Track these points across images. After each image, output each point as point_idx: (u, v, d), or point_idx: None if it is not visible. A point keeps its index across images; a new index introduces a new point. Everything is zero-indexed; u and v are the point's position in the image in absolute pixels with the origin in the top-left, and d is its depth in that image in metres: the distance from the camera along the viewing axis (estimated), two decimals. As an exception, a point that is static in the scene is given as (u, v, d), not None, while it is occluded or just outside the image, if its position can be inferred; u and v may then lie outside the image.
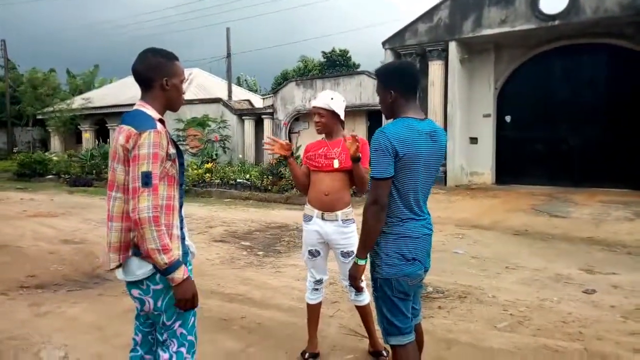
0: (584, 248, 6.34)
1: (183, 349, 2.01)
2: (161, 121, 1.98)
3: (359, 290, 2.35)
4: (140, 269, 1.92)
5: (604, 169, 12.54)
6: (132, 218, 1.81)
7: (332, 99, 3.00)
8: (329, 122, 3.02)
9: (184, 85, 2.17)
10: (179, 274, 1.86)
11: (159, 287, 1.94)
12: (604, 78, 12.84)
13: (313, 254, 3.10)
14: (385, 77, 2.26)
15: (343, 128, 3.14)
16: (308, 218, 3.09)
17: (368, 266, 2.27)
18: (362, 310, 3.12)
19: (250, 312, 4.07)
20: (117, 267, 1.96)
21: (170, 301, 1.96)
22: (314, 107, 3.05)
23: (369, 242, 2.15)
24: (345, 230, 3.00)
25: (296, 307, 4.09)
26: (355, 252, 2.96)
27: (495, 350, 3.27)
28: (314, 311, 3.18)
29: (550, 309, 4.04)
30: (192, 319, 2.07)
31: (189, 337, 2.05)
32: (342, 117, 3.06)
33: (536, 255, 5.97)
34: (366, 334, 3.25)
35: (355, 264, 2.21)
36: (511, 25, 12.46)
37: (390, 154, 2.05)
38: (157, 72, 1.99)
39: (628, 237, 6.83)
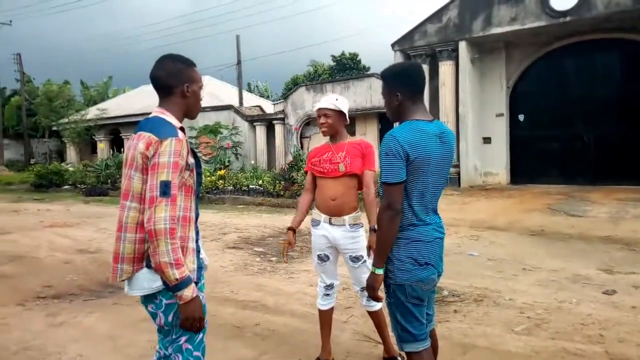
0: (602, 247, 6.21)
1: None
2: (182, 129, 1.93)
3: (378, 301, 2.27)
4: (154, 282, 1.85)
5: (620, 166, 12.31)
6: (146, 228, 1.74)
7: (337, 99, 3.00)
8: (335, 122, 3.00)
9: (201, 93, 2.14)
10: (189, 292, 1.77)
11: (172, 301, 1.87)
12: (618, 73, 12.66)
13: (322, 258, 3.09)
14: (391, 79, 2.21)
15: (348, 132, 3.14)
16: (316, 223, 3.08)
17: None
18: (375, 316, 3.08)
19: (264, 318, 4.05)
20: (129, 278, 1.88)
21: None
22: (319, 109, 3.02)
23: (385, 249, 2.10)
24: (353, 234, 2.98)
25: (309, 313, 4.06)
26: (364, 256, 2.95)
27: (512, 354, 3.20)
28: (325, 317, 3.15)
29: (569, 311, 3.96)
30: (201, 335, 1.99)
31: (195, 353, 1.97)
32: (347, 117, 3.05)
33: (553, 255, 5.86)
34: (380, 340, 3.21)
35: (372, 273, 2.14)
36: (521, 23, 12.33)
37: (402, 157, 2.01)
38: (177, 78, 1.94)
39: (648, 235, 6.68)
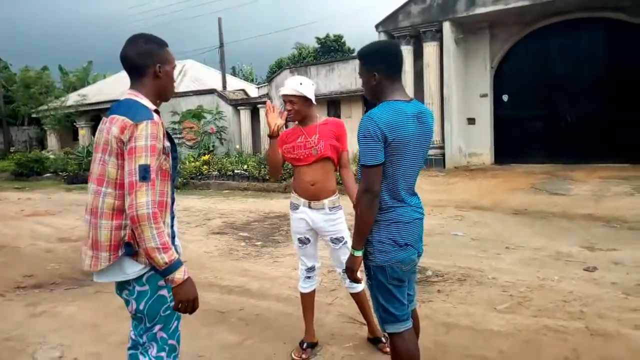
0: (585, 225, 6.29)
1: (163, 354, 1.93)
2: (156, 112, 1.88)
3: (357, 282, 2.30)
4: (130, 269, 1.83)
5: (603, 145, 12.45)
6: (129, 215, 1.70)
7: (300, 83, 2.91)
8: (301, 108, 2.94)
9: (177, 79, 2.07)
10: (180, 274, 1.75)
11: (144, 288, 1.86)
12: (601, 52, 12.69)
13: (303, 241, 3.07)
14: (368, 59, 2.16)
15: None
16: (295, 207, 3.05)
17: None
18: (357, 297, 3.08)
19: (249, 303, 4.04)
20: (108, 266, 1.83)
21: (153, 305, 1.88)
22: (283, 95, 2.95)
23: (364, 232, 2.08)
24: (332, 217, 2.97)
25: (294, 296, 4.04)
26: (345, 237, 2.97)
27: (495, 333, 3.23)
28: (308, 300, 3.14)
29: (551, 289, 4.00)
30: (175, 322, 1.98)
31: (170, 342, 1.95)
32: (314, 100, 2.99)
33: (536, 234, 5.93)
34: (364, 322, 3.21)
35: (352, 255, 2.13)
36: (505, 2, 12.25)
37: (380, 139, 1.97)
38: (149, 58, 1.89)
39: (628, 213, 6.78)
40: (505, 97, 14.14)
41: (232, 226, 7.37)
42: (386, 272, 2.10)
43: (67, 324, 3.73)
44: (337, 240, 2.99)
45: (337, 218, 2.98)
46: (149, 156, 1.73)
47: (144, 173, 1.70)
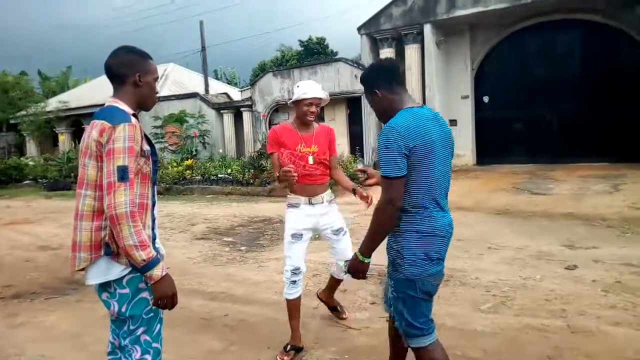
0: (565, 224, 6.39)
1: (148, 357, 1.93)
2: (134, 116, 1.92)
3: (362, 279, 2.21)
4: (111, 270, 1.85)
5: (582, 144, 12.68)
6: (107, 214, 1.74)
7: (320, 86, 3.11)
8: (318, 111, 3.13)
9: (159, 83, 2.11)
10: (158, 271, 1.79)
11: (125, 291, 1.87)
12: (579, 53, 12.97)
13: (296, 236, 3.11)
14: (367, 79, 2.20)
15: (317, 118, 3.24)
16: (295, 205, 3.17)
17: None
18: (336, 282, 3.43)
19: (233, 309, 4.01)
20: (87, 266, 1.87)
21: (135, 307, 1.89)
22: (314, 97, 3.04)
23: (378, 242, 2.05)
24: (330, 209, 3.19)
25: (279, 301, 4.02)
26: (344, 227, 3.17)
27: (478, 333, 3.26)
28: (294, 306, 3.13)
29: (533, 288, 4.05)
30: (158, 326, 2.00)
31: (154, 345, 1.96)
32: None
33: (518, 234, 6.00)
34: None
35: (359, 261, 2.09)
36: (485, 4, 12.42)
37: (402, 149, 1.93)
38: (130, 67, 1.95)
39: (607, 211, 6.91)
40: (486, 99, 14.32)
41: (216, 231, 7.31)
42: (416, 286, 2.04)
43: (47, 335, 3.66)
44: (337, 232, 3.19)
45: (334, 210, 3.22)
46: (127, 157, 1.78)
47: (122, 173, 1.76)
